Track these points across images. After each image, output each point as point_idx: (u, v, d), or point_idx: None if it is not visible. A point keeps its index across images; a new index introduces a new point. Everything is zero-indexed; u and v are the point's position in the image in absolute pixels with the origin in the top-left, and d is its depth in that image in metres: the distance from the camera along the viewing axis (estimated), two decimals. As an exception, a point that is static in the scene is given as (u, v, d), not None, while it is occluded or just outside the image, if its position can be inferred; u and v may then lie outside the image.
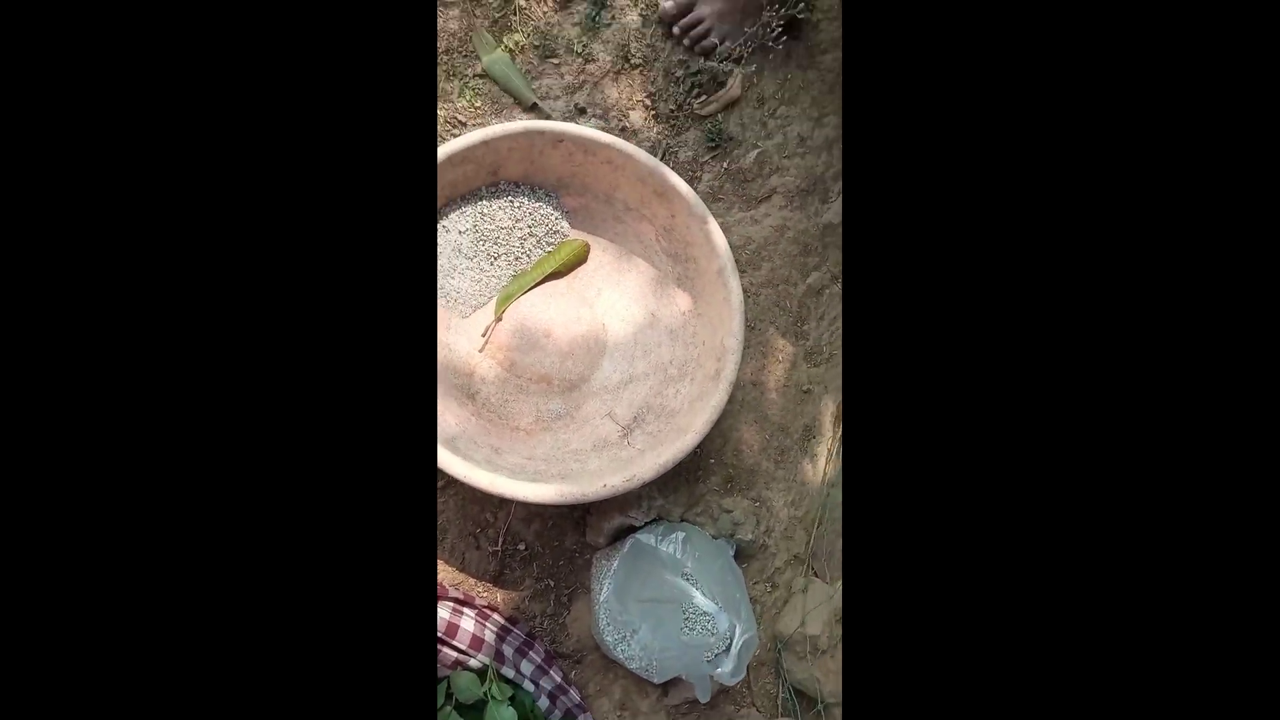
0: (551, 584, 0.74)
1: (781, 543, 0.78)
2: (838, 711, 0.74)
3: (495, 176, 0.73)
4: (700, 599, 0.66)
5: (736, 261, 0.74)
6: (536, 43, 0.83)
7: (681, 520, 0.74)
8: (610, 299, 0.77)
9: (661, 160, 0.80)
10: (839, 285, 0.84)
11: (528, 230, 0.76)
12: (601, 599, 0.67)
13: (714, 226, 0.71)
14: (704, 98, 0.84)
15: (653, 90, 0.84)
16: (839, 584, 0.76)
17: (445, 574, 0.72)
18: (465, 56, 0.82)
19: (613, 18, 0.84)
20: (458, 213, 0.73)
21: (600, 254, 0.78)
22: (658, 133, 0.83)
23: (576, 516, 0.75)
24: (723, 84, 0.84)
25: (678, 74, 0.84)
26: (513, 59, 0.81)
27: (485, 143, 0.67)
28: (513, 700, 0.64)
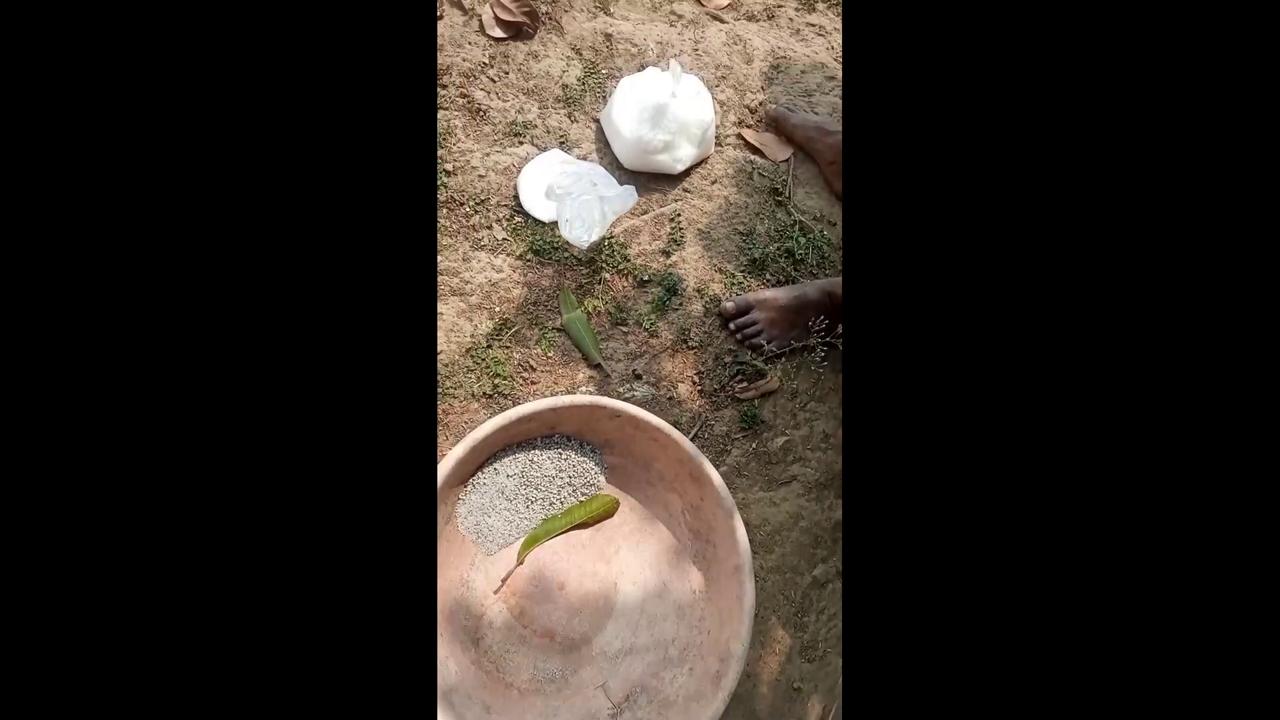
0: None
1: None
2: None
3: (552, 430, 0.80)
4: None
5: (751, 541, 0.78)
6: (612, 310, 0.94)
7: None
8: (627, 559, 0.82)
9: (698, 430, 0.87)
10: (841, 582, 0.89)
11: (567, 480, 0.82)
12: None
13: (739, 523, 0.76)
14: (745, 384, 0.93)
15: (702, 369, 0.94)
16: None
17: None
18: (550, 310, 0.92)
19: (680, 304, 0.96)
20: (510, 458, 0.79)
21: (627, 511, 0.84)
22: (699, 405, 0.92)
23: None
24: (763, 375, 0.94)
25: (726, 360, 0.94)
26: (588, 319, 0.92)
27: (554, 410, 0.75)
28: None
